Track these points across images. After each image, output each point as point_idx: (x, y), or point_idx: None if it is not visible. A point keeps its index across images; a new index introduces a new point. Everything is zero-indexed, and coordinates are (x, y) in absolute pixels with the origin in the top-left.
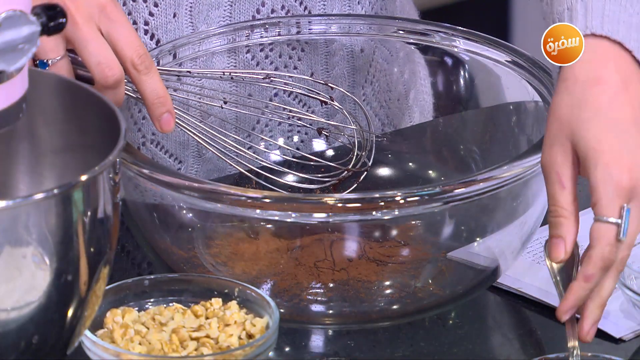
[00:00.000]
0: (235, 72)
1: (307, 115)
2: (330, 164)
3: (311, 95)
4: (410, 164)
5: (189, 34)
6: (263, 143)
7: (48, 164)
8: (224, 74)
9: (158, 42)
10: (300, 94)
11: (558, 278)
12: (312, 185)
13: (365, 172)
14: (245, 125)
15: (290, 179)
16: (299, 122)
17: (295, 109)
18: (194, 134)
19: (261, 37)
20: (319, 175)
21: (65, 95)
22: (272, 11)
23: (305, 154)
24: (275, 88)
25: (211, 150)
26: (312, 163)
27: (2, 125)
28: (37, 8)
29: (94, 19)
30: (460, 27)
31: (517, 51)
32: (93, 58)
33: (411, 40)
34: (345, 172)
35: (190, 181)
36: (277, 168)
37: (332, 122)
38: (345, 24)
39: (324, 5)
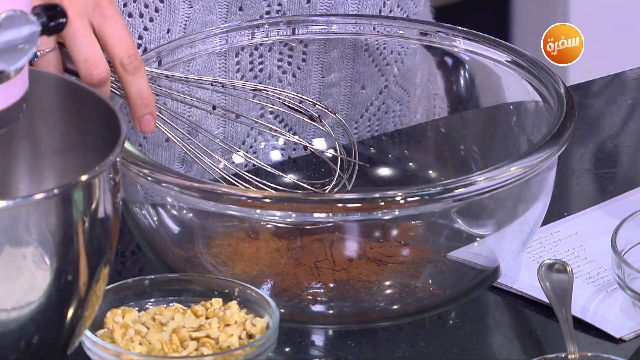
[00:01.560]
0: (226, 82)
1: (291, 137)
2: (307, 186)
3: (300, 110)
4: (410, 164)
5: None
6: (262, 145)
7: (48, 164)
8: (214, 83)
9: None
10: (289, 107)
11: (552, 295)
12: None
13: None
14: (234, 142)
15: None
16: (283, 137)
17: (280, 129)
18: (181, 143)
19: (260, 37)
20: (299, 192)
21: (65, 95)
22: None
23: (281, 174)
24: (263, 103)
25: (198, 162)
26: (291, 178)
27: (2, 125)
28: (37, 8)
29: (87, 14)
30: (460, 27)
31: (517, 51)
32: (81, 55)
33: (411, 40)
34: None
35: (190, 181)
36: (254, 181)
37: (314, 147)
38: (345, 24)
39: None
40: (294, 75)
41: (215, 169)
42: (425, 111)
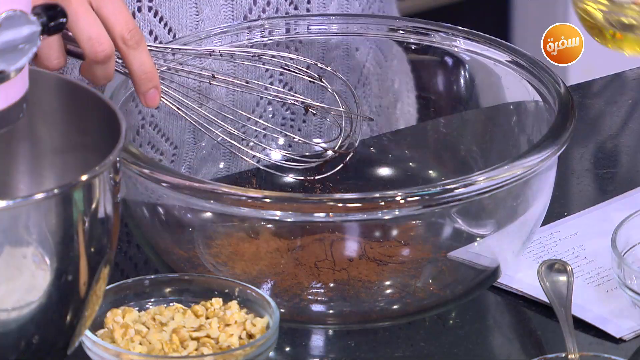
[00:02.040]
0: (225, 50)
1: (295, 96)
2: (317, 144)
3: (300, 74)
4: (411, 164)
5: (192, 16)
6: (264, 141)
7: (48, 164)
8: (213, 52)
9: (161, 19)
10: (290, 72)
11: (552, 295)
12: (299, 165)
13: (352, 154)
14: (244, 108)
15: (276, 157)
16: (290, 98)
17: (284, 90)
18: (189, 115)
19: (261, 36)
20: (307, 154)
21: (65, 95)
22: (268, 3)
23: (290, 134)
24: (268, 67)
25: (206, 133)
26: (299, 143)
27: (2, 125)
28: (37, 8)
29: None
30: (460, 27)
31: (517, 51)
32: (84, 33)
33: (411, 40)
34: (332, 152)
35: (190, 181)
36: (261, 155)
37: (319, 104)
38: (345, 24)
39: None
40: (300, 42)
41: (226, 138)
42: (400, 82)
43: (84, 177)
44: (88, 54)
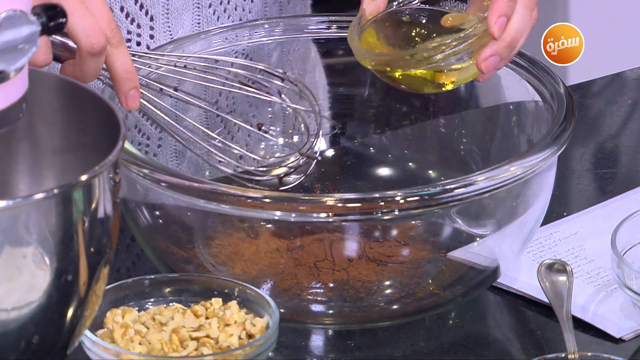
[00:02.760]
0: (190, 56)
1: (263, 95)
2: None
3: (264, 86)
4: (410, 164)
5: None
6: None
7: (48, 164)
8: (179, 59)
9: (141, 7)
10: (245, 85)
11: (552, 295)
12: (265, 177)
13: (315, 160)
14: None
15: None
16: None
17: (252, 89)
18: (166, 120)
19: (259, 37)
20: (276, 164)
21: (65, 95)
22: None
23: (266, 134)
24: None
25: (177, 138)
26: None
27: (2, 125)
28: (37, 8)
29: None
30: None
31: (517, 51)
32: (79, 25)
33: None
34: (300, 158)
35: (190, 181)
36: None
37: (292, 104)
38: (345, 22)
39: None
40: (250, 12)
41: (203, 144)
42: (315, 52)
43: (83, 177)
44: (85, 46)
